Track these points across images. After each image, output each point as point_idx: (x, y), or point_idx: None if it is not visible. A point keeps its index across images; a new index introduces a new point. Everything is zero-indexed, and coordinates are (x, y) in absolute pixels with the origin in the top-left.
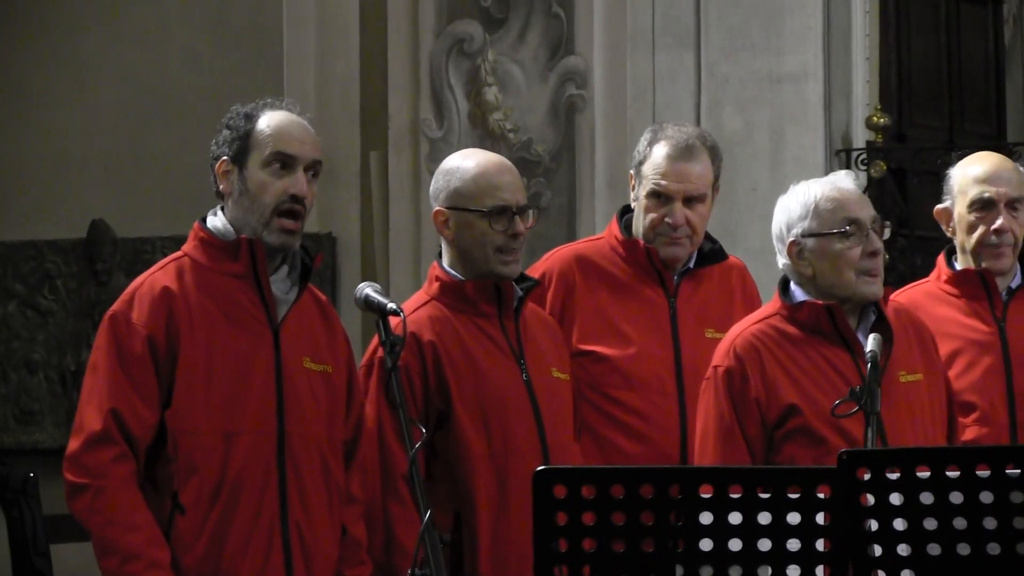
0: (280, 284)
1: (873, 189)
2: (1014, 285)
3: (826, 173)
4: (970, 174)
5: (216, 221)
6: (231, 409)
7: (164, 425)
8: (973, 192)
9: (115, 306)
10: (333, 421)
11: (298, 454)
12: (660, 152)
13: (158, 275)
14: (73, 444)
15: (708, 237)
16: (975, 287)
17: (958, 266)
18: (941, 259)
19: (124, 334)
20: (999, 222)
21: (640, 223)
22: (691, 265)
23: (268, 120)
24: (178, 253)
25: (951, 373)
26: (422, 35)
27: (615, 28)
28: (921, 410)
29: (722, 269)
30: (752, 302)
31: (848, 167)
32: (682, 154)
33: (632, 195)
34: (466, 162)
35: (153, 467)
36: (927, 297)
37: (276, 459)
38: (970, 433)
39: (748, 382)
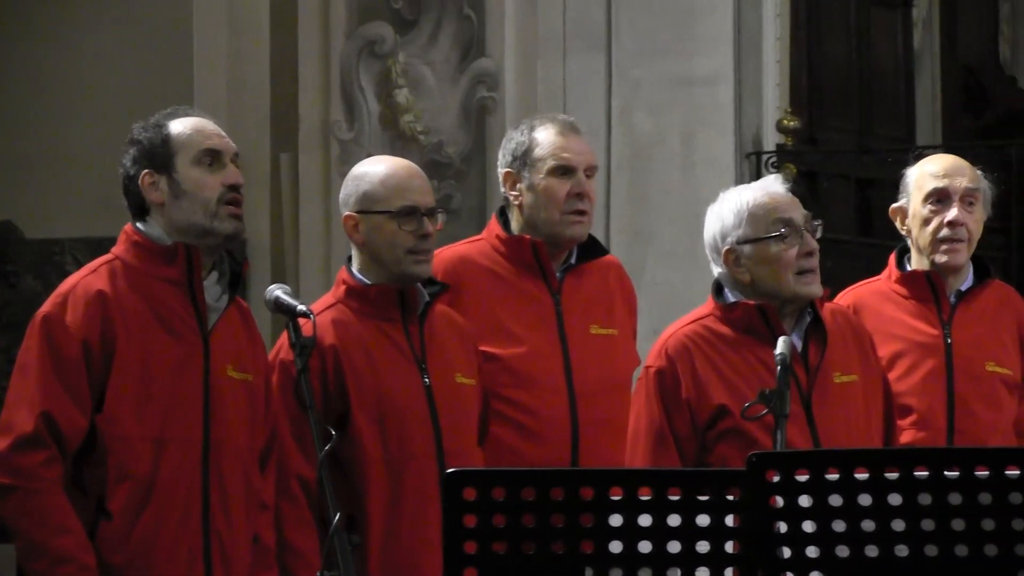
0: (211, 290)
1: None
2: (963, 288)
3: (737, 176)
4: (927, 170)
5: (150, 227)
6: (161, 416)
7: (94, 429)
8: (929, 186)
9: (47, 308)
10: (253, 430)
11: (222, 463)
12: (549, 133)
13: (91, 278)
14: (0, 445)
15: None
16: (923, 289)
17: (909, 266)
18: (892, 258)
19: (58, 337)
20: (953, 213)
21: (541, 210)
22: (572, 261)
23: (182, 123)
24: (108, 256)
25: (892, 375)
26: (333, 36)
27: (526, 31)
28: (856, 411)
29: (600, 266)
30: (631, 301)
31: (758, 170)
32: (572, 129)
33: (512, 193)
34: (375, 167)
35: (80, 470)
36: (875, 296)
37: (201, 468)
38: (907, 436)
39: (679, 382)
